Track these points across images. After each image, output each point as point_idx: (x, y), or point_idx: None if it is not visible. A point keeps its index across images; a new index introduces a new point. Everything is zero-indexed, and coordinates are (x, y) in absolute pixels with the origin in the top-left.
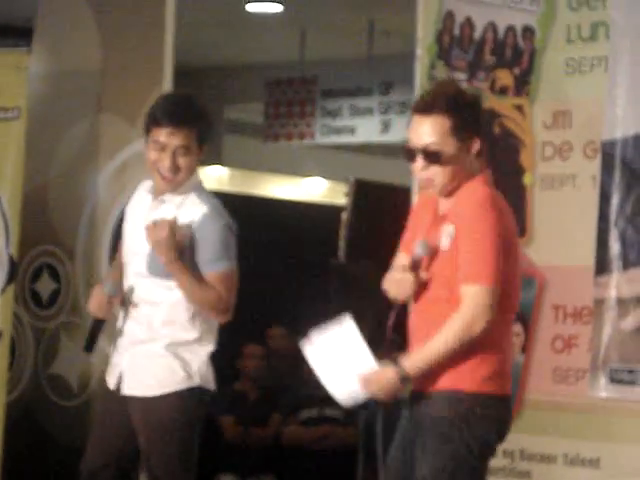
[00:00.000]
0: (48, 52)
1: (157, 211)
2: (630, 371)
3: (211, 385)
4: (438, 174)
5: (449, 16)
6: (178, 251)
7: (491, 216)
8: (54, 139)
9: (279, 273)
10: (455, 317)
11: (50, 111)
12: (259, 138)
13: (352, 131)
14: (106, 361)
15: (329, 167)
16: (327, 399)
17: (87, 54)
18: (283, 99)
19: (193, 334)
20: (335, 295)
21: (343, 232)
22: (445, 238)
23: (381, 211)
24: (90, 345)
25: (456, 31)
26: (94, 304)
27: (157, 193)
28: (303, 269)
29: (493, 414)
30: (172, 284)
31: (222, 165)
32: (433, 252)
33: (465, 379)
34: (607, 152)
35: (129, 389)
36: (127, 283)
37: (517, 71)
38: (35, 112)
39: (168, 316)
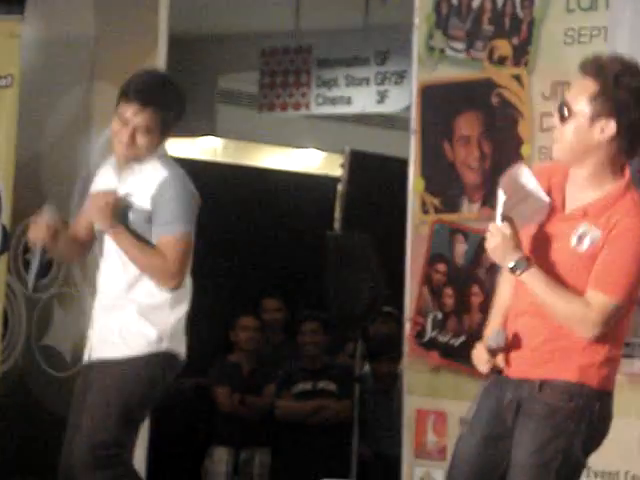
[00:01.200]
0: (41, 19)
1: (120, 180)
2: (626, 344)
3: (181, 350)
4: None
5: None
6: (118, 219)
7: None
8: (47, 108)
9: (274, 245)
10: (580, 304)
11: (43, 79)
12: (254, 108)
13: (348, 101)
14: None
15: (324, 138)
16: (321, 372)
17: (81, 22)
18: (278, 69)
19: (161, 297)
20: (330, 267)
21: (339, 203)
22: (587, 240)
23: (377, 182)
24: (35, 280)
25: (454, 0)
26: (33, 228)
27: (119, 164)
28: (298, 241)
29: (608, 413)
30: None
31: (216, 136)
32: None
33: (591, 374)
34: None
35: (95, 353)
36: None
37: (516, 41)
38: (28, 80)
39: (135, 280)
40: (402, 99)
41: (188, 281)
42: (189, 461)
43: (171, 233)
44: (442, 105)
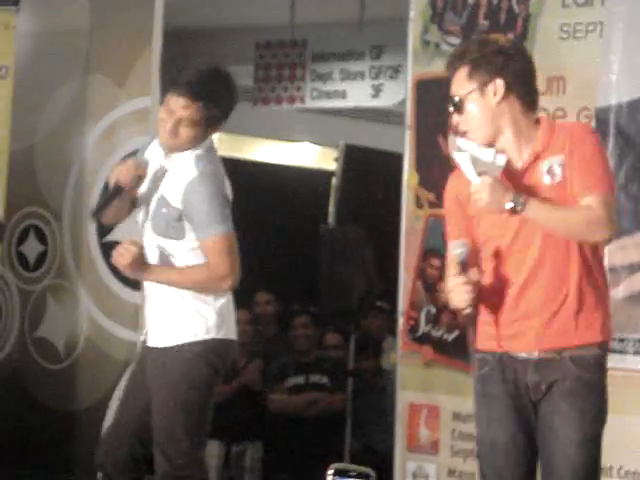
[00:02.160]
0: (36, 11)
1: (164, 164)
2: (621, 340)
3: (231, 334)
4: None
5: None
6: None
7: (593, 131)
8: (42, 99)
9: (267, 238)
10: (583, 210)
11: (38, 71)
12: (248, 102)
13: (343, 95)
14: (93, 325)
15: (319, 132)
16: (314, 365)
17: (76, 14)
18: (273, 62)
19: None
20: (324, 261)
21: (333, 197)
22: (556, 168)
23: (371, 176)
24: (100, 210)
25: None
26: (122, 170)
27: (163, 147)
28: (291, 234)
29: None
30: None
31: None
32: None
33: (609, 328)
34: (601, 118)
35: (151, 341)
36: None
37: (511, 36)
38: (22, 72)
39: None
40: (397, 93)
41: None
42: None
43: (207, 235)
44: (437, 99)
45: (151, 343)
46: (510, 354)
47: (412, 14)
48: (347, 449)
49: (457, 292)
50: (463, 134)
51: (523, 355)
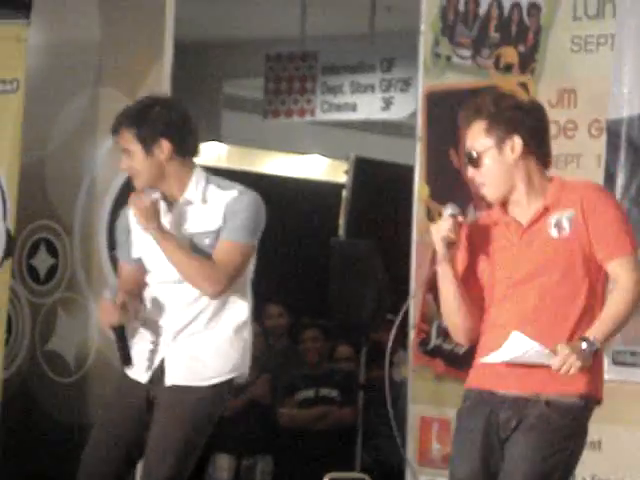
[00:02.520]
0: (47, 24)
1: (178, 217)
2: (633, 353)
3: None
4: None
5: None
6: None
7: (606, 190)
8: (53, 113)
9: (277, 251)
10: (626, 287)
11: (49, 84)
12: (259, 114)
13: (353, 108)
14: (103, 338)
15: (329, 144)
16: (323, 379)
17: (87, 27)
18: (283, 75)
19: (244, 315)
20: (335, 274)
21: (343, 210)
22: (565, 222)
23: (382, 189)
24: (127, 358)
25: (461, 7)
26: (103, 315)
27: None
28: (301, 247)
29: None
30: None
31: (220, 141)
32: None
33: (598, 386)
34: (612, 131)
35: (175, 378)
36: (150, 292)
37: (522, 48)
38: (34, 85)
39: (222, 304)
40: (407, 106)
41: (249, 293)
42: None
43: (232, 239)
44: (448, 112)
45: (170, 381)
46: (491, 391)
47: (423, 27)
48: (358, 463)
49: (438, 224)
50: (478, 186)
51: (502, 392)
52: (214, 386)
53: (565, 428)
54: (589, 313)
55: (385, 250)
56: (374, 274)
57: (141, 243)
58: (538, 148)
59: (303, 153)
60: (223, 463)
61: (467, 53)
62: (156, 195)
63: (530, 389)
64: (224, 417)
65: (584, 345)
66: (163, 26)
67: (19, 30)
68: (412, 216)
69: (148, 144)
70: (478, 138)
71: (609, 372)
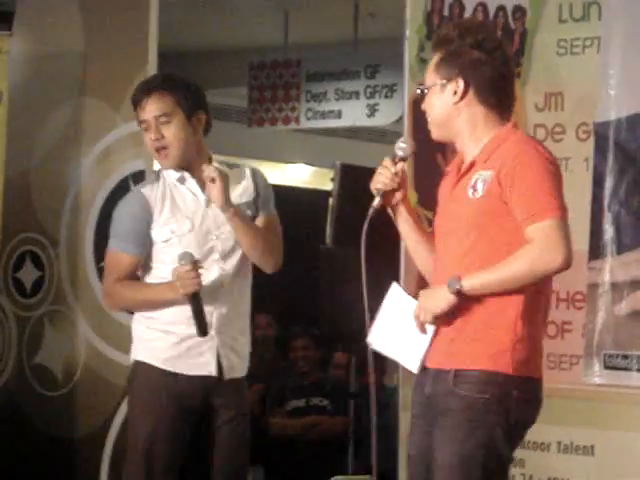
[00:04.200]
0: (30, 35)
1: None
2: (625, 356)
3: None
4: None
5: None
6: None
7: (539, 151)
8: (36, 124)
9: None
10: (527, 247)
11: (32, 95)
12: (243, 123)
13: (338, 115)
14: (91, 350)
15: (315, 152)
16: (314, 388)
17: (69, 37)
18: (267, 83)
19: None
20: (324, 282)
21: (330, 218)
22: (479, 184)
23: (368, 196)
24: (204, 327)
25: (445, 12)
26: (183, 282)
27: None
28: (289, 256)
29: (530, 398)
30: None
31: None
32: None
33: (504, 361)
34: (600, 134)
35: (233, 372)
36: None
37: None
38: (17, 96)
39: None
40: (392, 112)
41: None
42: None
43: (274, 214)
44: None
45: (229, 375)
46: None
47: (407, 32)
48: (350, 472)
49: (378, 174)
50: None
51: (428, 368)
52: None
53: (477, 402)
54: None
55: (373, 257)
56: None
57: (179, 223)
58: (491, 95)
59: (288, 162)
60: None
61: None
62: (224, 173)
63: (441, 363)
64: None
65: (449, 283)
66: (146, 35)
67: (1, 41)
68: None
69: (190, 113)
70: (430, 71)
71: (601, 376)
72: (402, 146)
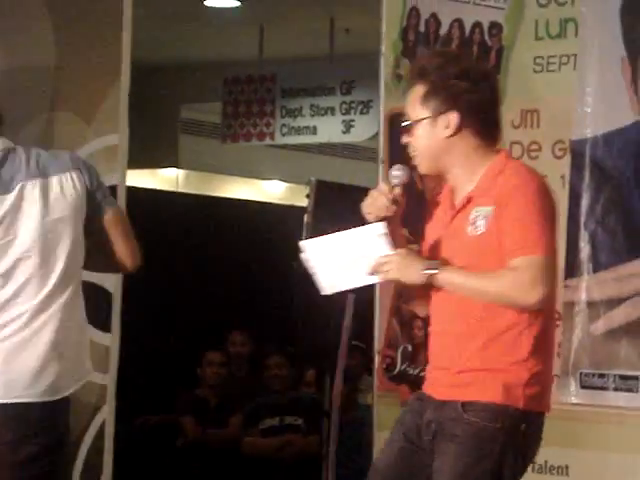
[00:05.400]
0: (1, 49)
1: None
2: (601, 375)
3: None
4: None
5: (414, 12)
6: None
7: (535, 183)
8: (9, 138)
9: (239, 277)
10: (513, 273)
11: (3, 109)
12: (217, 138)
13: (313, 131)
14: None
15: (289, 168)
16: (288, 407)
17: (41, 50)
18: (242, 98)
19: None
20: (298, 298)
21: (305, 234)
22: (480, 220)
23: (343, 212)
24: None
25: (421, 28)
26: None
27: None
28: (263, 273)
29: (537, 433)
30: None
31: (178, 167)
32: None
33: (517, 395)
34: (576, 151)
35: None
36: None
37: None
38: None
39: None
40: (368, 129)
41: None
42: None
43: None
44: None
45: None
46: (425, 393)
47: (383, 48)
48: None
49: (372, 198)
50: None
51: (430, 395)
52: None
53: (486, 430)
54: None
55: None
56: (336, 297)
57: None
58: (482, 124)
59: (263, 178)
60: None
61: None
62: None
63: (447, 394)
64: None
65: (424, 265)
66: (120, 49)
67: None
68: None
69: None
70: (414, 105)
71: (577, 396)
72: (397, 174)
